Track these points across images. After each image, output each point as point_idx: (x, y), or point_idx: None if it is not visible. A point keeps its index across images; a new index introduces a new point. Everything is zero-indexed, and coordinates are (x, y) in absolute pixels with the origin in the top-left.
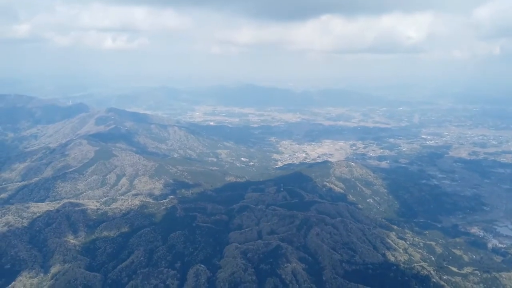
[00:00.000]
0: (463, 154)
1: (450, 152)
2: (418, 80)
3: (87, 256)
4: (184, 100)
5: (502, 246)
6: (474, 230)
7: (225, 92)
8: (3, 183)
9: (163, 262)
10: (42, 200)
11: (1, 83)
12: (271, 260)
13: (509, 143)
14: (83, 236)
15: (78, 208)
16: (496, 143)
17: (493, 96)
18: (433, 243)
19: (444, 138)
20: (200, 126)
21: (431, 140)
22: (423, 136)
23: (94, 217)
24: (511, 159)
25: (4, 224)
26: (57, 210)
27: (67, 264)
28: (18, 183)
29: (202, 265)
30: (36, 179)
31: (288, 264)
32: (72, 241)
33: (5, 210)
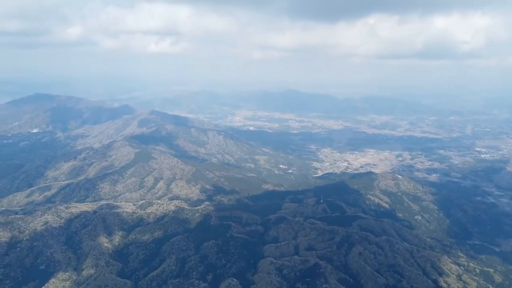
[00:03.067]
0: None
1: (508, 167)
2: (470, 88)
3: (120, 261)
4: (225, 104)
5: None
6: None
7: (266, 97)
8: (48, 182)
9: (194, 273)
10: (82, 200)
11: (53, 85)
12: (308, 279)
13: None
14: (117, 240)
15: (115, 211)
16: None
17: None
18: (491, 270)
19: (500, 152)
20: (239, 130)
21: (486, 153)
22: (477, 149)
23: (129, 221)
24: None
25: (43, 223)
26: (94, 212)
27: (99, 268)
28: (61, 182)
29: (235, 279)
30: (79, 178)
31: (327, 285)
32: (106, 244)
33: (45, 209)
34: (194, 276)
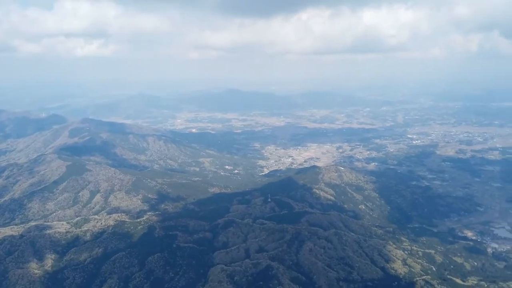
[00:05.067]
0: (451, 152)
1: (437, 151)
2: (398, 79)
3: (54, 287)
4: (165, 107)
5: (503, 250)
6: (471, 233)
7: (207, 98)
8: None
9: None
10: (7, 224)
11: None
12: (261, 283)
13: (495, 140)
14: (50, 264)
15: (45, 232)
16: (481, 140)
17: (473, 93)
18: (432, 251)
19: (430, 137)
20: (181, 134)
21: (417, 140)
22: (409, 136)
23: (63, 241)
24: (498, 156)
25: None
26: (21, 236)
27: None
28: None
29: None
30: (2, 199)
31: (280, 287)
32: (36, 271)
33: None
34: None
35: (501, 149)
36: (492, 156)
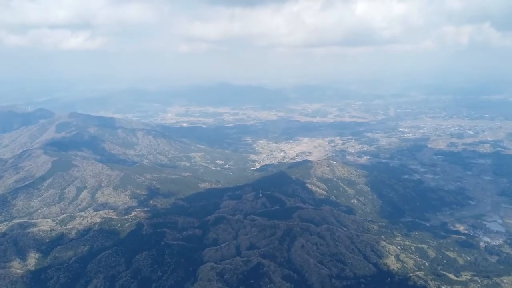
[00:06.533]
0: (442, 145)
1: (428, 145)
2: (390, 72)
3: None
4: (155, 101)
5: (495, 244)
6: (464, 227)
7: (198, 92)
8: None
9: None
10: None
11: None
12: (251, 281)
13: (485, 133)
14: (33, 263)
15: (29, 230)
16: (472, 133)
17: (463, 86)
18: (425, 246)
19: (421, 130)
20: (172, 128)
21: (409, 133)
22: (401, 129)
23: (47, 240)
24: (489, 149)
25: None
26: (3, 234)
27: None
28: None
29: None
30: None
31: (272, 285)
32: (18, 270)
33: None
34: None
35: (492, 142)
36: (483, 149)
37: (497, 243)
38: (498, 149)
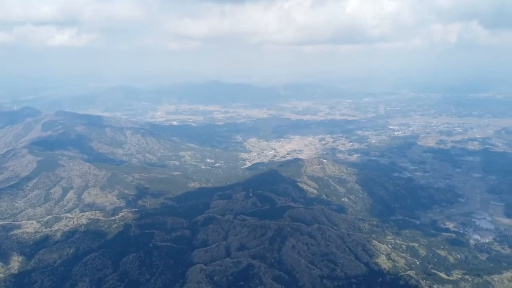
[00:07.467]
0: (431, 143)
1: (418, 142)
2: (380, 70)
3: None
4: (145, 99)
5: (485, 242)
6: (453, 225)
7: (188, 90)
8: None
9: None
10: None
11: None
12: (241, 283)
13: (474, 130)
14: (16, 267)
15: (12, 233)
16: (461, 130)
17: (452, 84)
18: (416, 245)
19: (411, 128)
20: (161, 126)
21: (398, 131)
22: (391, 127)
23: (31, 242)
24: (478, 146)
25: None
26: None
27: None
28: None
29: None
30: None
31: (262, 286)
32: (1, 274)
33: None
34: None
35: (480, 139)
36: (472, 147)
37: (487, 240)
38: (487, 146)
